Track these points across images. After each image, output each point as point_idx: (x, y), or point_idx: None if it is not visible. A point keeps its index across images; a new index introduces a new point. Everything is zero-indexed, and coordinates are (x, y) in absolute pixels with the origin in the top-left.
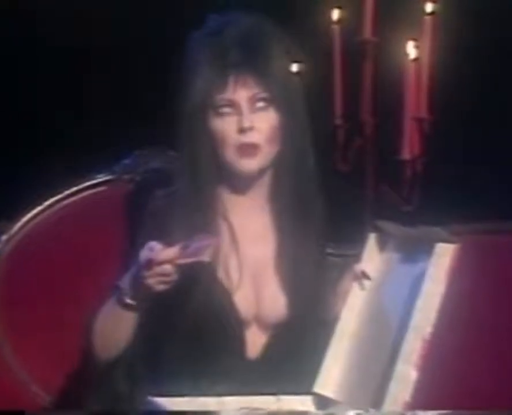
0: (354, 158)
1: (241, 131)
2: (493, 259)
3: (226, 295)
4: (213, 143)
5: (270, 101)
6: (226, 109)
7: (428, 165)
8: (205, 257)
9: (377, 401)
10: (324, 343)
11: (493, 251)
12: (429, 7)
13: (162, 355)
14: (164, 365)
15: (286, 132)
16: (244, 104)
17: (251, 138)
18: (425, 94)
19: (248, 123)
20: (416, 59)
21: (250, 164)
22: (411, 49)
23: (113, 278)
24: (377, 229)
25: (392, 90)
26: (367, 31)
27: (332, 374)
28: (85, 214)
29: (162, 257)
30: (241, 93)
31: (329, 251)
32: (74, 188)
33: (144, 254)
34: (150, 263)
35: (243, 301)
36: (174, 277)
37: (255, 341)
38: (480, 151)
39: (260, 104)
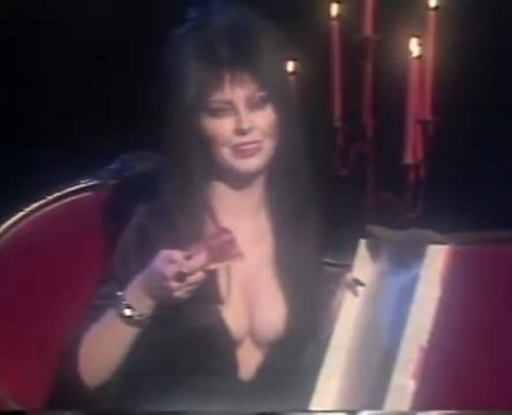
0: (354, 162)
1: (240, 132)
2: (495, 267)
3: (215, 311)
4: (205, 146)
5: (267, 99)
6: (222, 110)
7: (432, 170)
8: (238, 258)
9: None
10: (321, 360)
11: (498, 259)
12: (433, 2)
13: (151, 377)
14: (148, 386)
15: (281, 129)
16: (241, 105)
17: (252, 137)
18: (429, 94)
19: (247, 124)
20: (419, 57)
21: (251, 163)
22: (414, 47)
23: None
24: (367, 235)
25: (394, 90)
26: (368, 28)
27: (329, 390)
28: (68, 221)
29: (195, 267)
30: (238, 92)
31: (327, 260)
32: (57, 194)
33: (166, 268)
34: (182, 276)
35: (234, 315)
36: (201, 283)
37: (248, 360)
38: (488, 155)
39: (258, 102)
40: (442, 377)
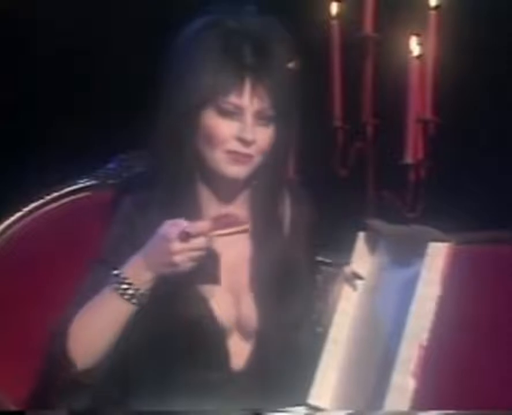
0: (355, 162)
1: (242, 141)
2: (495, 267)
3: (203, 302)
4: (201, 142)
5: (274, 119)
6: (230, 113)
7: (432, 170)
8: (244, 226)
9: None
10: (315, 352)
11: (497, 259)
12: (433, 1)
13: (139, 370)
14: (141, 381)
15: (275, 146)
16: (249, 115)
17: (250, 150)
18: (430, 93)
19: (251, 136)
20: (419, 56)
21: (239, 171)
22: (414, 46)
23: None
24: (367, 228)
25: (395, 90)
26: (368, 27)
27: (327, 384)
28: (66, 221)
29: (198, 230)
30: (253, 103)
31: (326, 260)
32: (55, 194)
33: (170, 229)
34: (186, 235)
35: (221, 306)
36: (203, 253)
37: (239, 351)
38: (488, 155)
39: (265, 119)
40: (442, 375)
